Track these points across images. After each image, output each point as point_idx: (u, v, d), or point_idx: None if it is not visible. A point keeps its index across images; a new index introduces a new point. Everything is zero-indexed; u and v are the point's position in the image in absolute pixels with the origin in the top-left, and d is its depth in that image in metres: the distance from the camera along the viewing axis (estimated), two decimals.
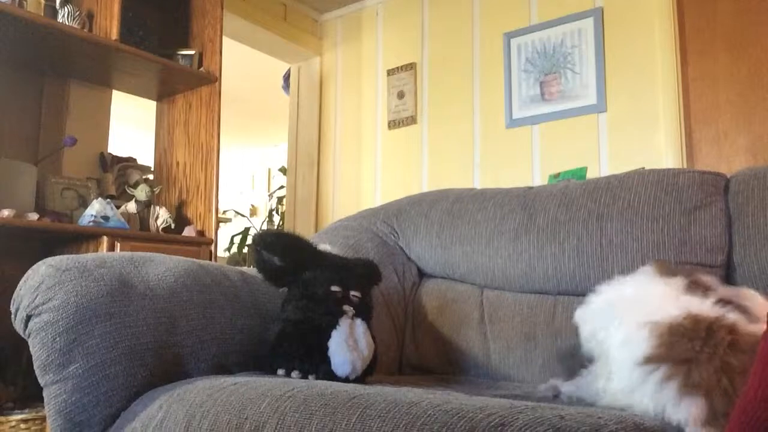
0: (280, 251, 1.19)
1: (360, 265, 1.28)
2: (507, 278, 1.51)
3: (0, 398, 2.07)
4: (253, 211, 7.36)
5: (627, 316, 0.77)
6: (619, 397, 0.75)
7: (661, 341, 0.69)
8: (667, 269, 0.85)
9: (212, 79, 2.73)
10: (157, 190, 2.67)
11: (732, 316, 0.71)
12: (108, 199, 2.38)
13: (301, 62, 4.00)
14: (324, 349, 1.11)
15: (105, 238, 2.25)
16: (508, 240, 1.50)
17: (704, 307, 0.73)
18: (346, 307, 1.16)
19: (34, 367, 1.01)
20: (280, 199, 5.87)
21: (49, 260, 1.06)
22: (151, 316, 1.08)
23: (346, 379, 1.09)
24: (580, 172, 2.70)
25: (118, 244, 2.28)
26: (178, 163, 2.84)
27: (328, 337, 1.12)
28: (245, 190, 7.54)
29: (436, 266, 1.65)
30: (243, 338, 1.23)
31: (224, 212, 6.70)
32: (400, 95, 3.52)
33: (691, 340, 0.68)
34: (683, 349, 0.68)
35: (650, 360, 0.69)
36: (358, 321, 1.17)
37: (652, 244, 1.31)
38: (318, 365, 1.11)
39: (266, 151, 7.34)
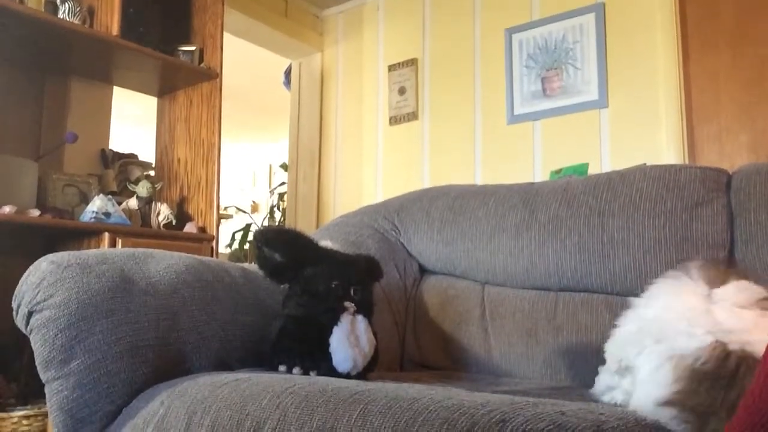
0: (282, 247, 1.19)
1: (361, 261, 1.28)
2: (508, 274, 1.51)
3: (2, 395, 2.08)
4: (255, 208, 7.36)
5: (653, 344, 0.73)
6: None
7: (682, 385, 0.66)
8: (701, 272, 0.80)
9: (213, 75, 2.73)
10: (158, 186, 2.67)
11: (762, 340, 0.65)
12: (109, 196, 2.38)
13: (302, 58, 4.00)
14: (325, 346, 1.11)
15: (106, 235, 2.25)
16: (510, 236, 1.50)
17: (737, 324, 0.68)
18: (347, 304, 1.16)
19: (36, 364, 1.01)
20: (281, 196, 5.87)
21: (51, 257, 1.06)
22: (153, 313, 1.08)
23: (347, 376, 1.09)
24: (582, 168, 2.70)
25: (120, 241, 2.28)
26: (179, 160, 2.83)
27: (330, 333, 1.12)
28: (246, 186, 7.54)
29: (437, 262, 1.65)
30: (244, 334, 1.23)
31: (225, 208, 6.70)
32: (402, 91, 3.52)
33: (713, 384, 0.64)
34: (704, 397, 0.64)
35: (669, 404, 0.66)
36: (360, 317, 1.17)
37: (653, 241, 1.31)
38: (319, 361, 1.11)
39: (267, 147, 7.34)
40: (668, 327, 0.72)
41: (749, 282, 0.75)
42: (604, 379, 0.99)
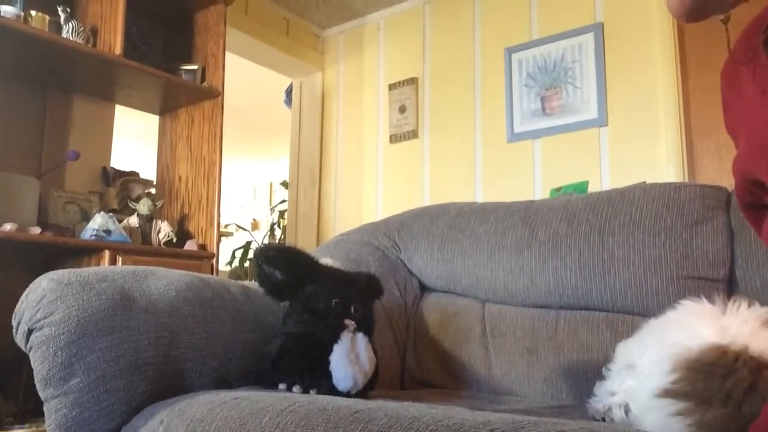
0: (282, 265, 1.19)
1: (361, 278, 1.28)
2: (509, 292, 1.51)
3: (0, 413, 2.06)
4: (255, 225, 7.37)
5: (657, 340, 0.77)
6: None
7: (680, 375, 0.69)
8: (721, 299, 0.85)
9: (215, 94, 2.75)
10: (159, 204, 2.67)
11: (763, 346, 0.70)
12: (110, 213, 2.39)
13: (303, 77, 4.02)
14: (325, 364, 1.11)
15: (107, 252, 2.25)
16: (510, 254, 1.50)
17: (742, 330, 0.72)
18: (347, 321, 1.16)
19: (35, 382, 1.00)
20: (281, 213, 5.88)
21: (51, 274, 1.06)
22: (153, 330, 1.08)
23: (347, 394, 1.09)
24: (582, 186, 2.70)
25: (120, 258, 2.28)
26: (180, 177, 2.84)
27: (330, 351, 1.11)
28: (247, 204, 7.55)
29: (437, 280, 1.65)
30: (244, 352, 1.22)
31: (226, 226, 6.70)
32: (402, 109, 3.54)
33: (710, 373, 0.67)
34: (701, 386, 0.67)
35: (667, 393, 0.69)
36: (360, 335, 1.16)
37: (654, 258, 1.31)
38: (319, 380, 1.10)
39: (268, 165, 7.36)
40: (672, 327, 0.77)
41: (759, 307, 0.79)
42: (607, 385, 1.02)
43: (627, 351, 0.92)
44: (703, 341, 0.71)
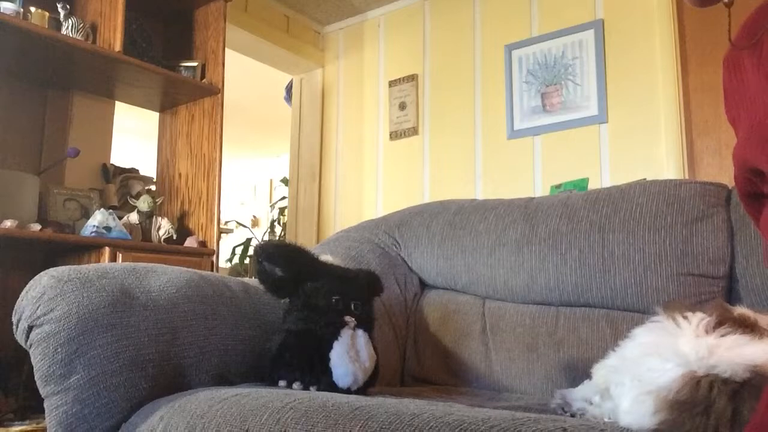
0: (282, 262, 1.19)
1: (362, 276, 1.28)
2: (509, 289, 1.51)
3: (0, 409, 2.07)
4: (255, 222, 7.37)
5: (630, 382, 0.78)
6: None
7: (664, 415, 0.69)
8: (673, 309, 0.85)
9: (215, 91, 2.75)
10: (159, 200, 2.67)
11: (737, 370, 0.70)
12: (110, 210, 2.39)
13: (303, 74, 4.02)
14: (326, 361, 1.11)
15: (107, 249, 2.25)
16: (510, 251, 1.50)
17: (701, 351, 0.73)
18: (347, 318, 1.16)
19: (35, 378, 1.01)
20: (281, 210, 5.88)
21: (51, 271, 1.06)
22: (153, 327, 1.08)
23: (347, 391, 1.09)
24: (582, 183, 2.70)
25: (120, 255, 2.28)
26: (180, 174, 2.84)
27: (330, 348, 1.12)
28: (247, 200, 7.55)
29: (437, 277, 1.65)
30: (244, 349, 1.22)
31: (226, 223, 6.71)
32: (402, 106, 3.54)
33: (692, 411, 0.68)
34: (688, 426, 0.67)
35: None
36: (360, 332, 1.16)
37: (653, 256, 1.31)
38: (319, 376, 1.10)
39: (268, 162, 7.36)
40: (641, 365, 0.78)
41: (704, 313, 0.81)
42: (583, 390, 1.03)
43: (605, 377, 0.94)
44: (672, 374, 0.72)
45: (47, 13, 2.26)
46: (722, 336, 0.75)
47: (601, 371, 0.97)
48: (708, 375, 0.69)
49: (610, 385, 0.89)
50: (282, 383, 1.12)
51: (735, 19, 0.79)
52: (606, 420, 0.90)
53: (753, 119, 0.71)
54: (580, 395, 1.03)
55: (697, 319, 0.79)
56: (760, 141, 0.68)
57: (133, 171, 2.90)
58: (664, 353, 0.76)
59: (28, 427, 2.01)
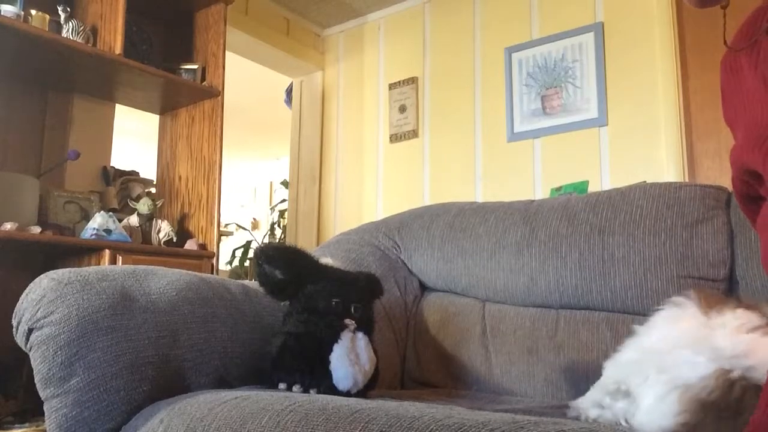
0: (282, 265, 1.19)
1: (362, 278, 1.28)
2: (509, 292, 1.51)
3: (0, 412, 2.06)
4: (255, 225, 7.37)
5: (656, 374, 0.71)
6: None
7: (689, 416, 0.64)
8: (699, 299, 0.79)
9: (215, 93, 2.75)
10: (159, 203, 2.68)
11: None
12: (110, 213, 2.39)
13: (303, 76, 4.02)
14: (326, 363, 1.11)
15: (107, 252, 2.25)
16: (510, 254, 1.50)
17: (737, 348, 0.67)
18: (347, 321, 1.16)
19: (35, 381, 1.00)
20: (281, 213, 5.88)
21: (51, 273, 1.06)
22: (153, 330, 1.08)
23: (347, 393, 1.09)
24: (582, 186, 2.70)
25: (120, 258, 2.28)
26: (180, 177, 2.84)
27: (330, 350, 1.11)
28: (247, 203, 7.55)
29: (437, 280, 1.65)
30: (244, 352, 1.22)
31: (226, 226, 6.71)
32: (402, 109, 3.54)
33: (719, 414, 0.63)
34: (710, 429, 0.63)
35: None
36: (360, 335, 1.16)
37: (654, 258, 1.31)
38: (319, 379, 1.10)
39: (268, 165, 7.36)
40: (670, 356, 0.71)
41: (744, 310, 0.75)
42: (593, 396, 0.95)
43: (619, 373, 0.86)
44: (705, 370, 0.67)
45: (48, 16, 2.27)
46: (764, 336, 0.68)
47: (610, 369, 0.89)
48: (743, 377, 0.64)
49: (628, 381, 0.80)
50: (282, 386, 1.12)
51: (730, 22, 0.79)
52: (623, 423, 0.82)
53: (750, 122, 0.71)
54: (590, 401, 0.95)
55: (734, 317, 0.72)
56: (757, 143, 0.68)
57: (134, 173, 2.90)
58: (697, 346, 0.69)
59: (28, 430, 2.01)
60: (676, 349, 0.71)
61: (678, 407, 0.65)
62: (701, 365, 0.67)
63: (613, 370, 0.88)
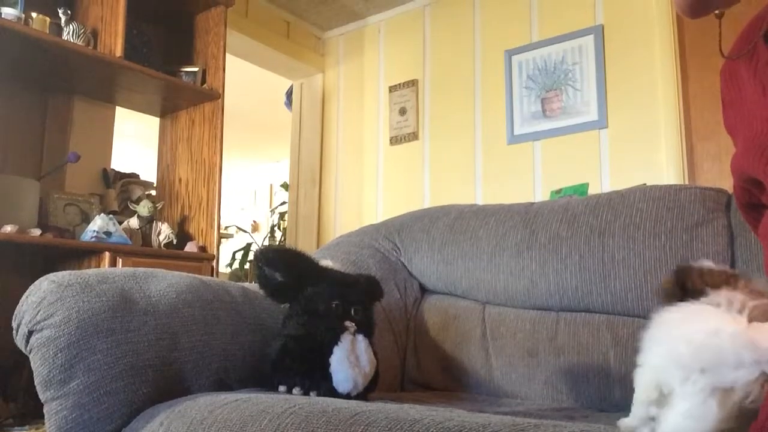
0: (282, 267, 1.19)
1: (362, 281, 1.28)
2: (509, 294, 1.51)
3: (0, 414, 2.06)
4: (255, 227, 7.37)
5: (698, 373, 0.66)
6: None
7: (729, 423, 0.60)
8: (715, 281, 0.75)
9: (215, 96, 2.75)
10: (159, 205, 2.68)
11: None
12: (110, 215, 2.39)
13: (303, 79, 4.03)
14: (326, 366, 1.10)
15: (107, 254, 2.25)
16: (510, 256, 1.50)
17: None
18: (347, 323, 1.16)
19: (35, 383, 1.00)
20: (282, 215, 5.88)
21: (51, 276, 1.06)
22: (153, 332, 1.08)
23: (347, 396, 1.09)
24: (582, 188, 2.70)
25: (120, 260, 2.28)
26: (180, 179, 2.84)
27: (330, 353, 1.11)
28: (247, 205, 7.55)
29: (438, 282, 1.65)
30: (244, 354, 1.22)
31: (226, 228, 6.71)
32: (402, 111, 3.54)
33: (748, 422, 0.59)
34: None
35: None
36: (360, 337, 1.16)
37: (654, 261, 1.31)
38: (319, 382, 1.10)
39: (268, 167, 7.36)
40: (713, 354, 0.66)
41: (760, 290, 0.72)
42: (638, 412, 0.84)
43: (659, 376, 0.76)
44: (749, 375, 0.62)
45: (48, 19, 2.27)
46: None
47: (645, 376, 0.79)
48: None
49: (670, 380, 0.72)
50: (282, 388, 1.12)
51: (726, 31, 0.79)
52: None
53: (750, 130, 0.71)
54: (638, 419, 0.83)
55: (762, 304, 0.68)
56: (758, 152, 0.67)
57: (134, 176, 2.90)
58: (739, 344, 0.64)
59: None
60: (721, 345, 0.66)
61: (719, 413, 0.61)
62: (746, 369, 0.62)
63: (645, 379, 0.79)
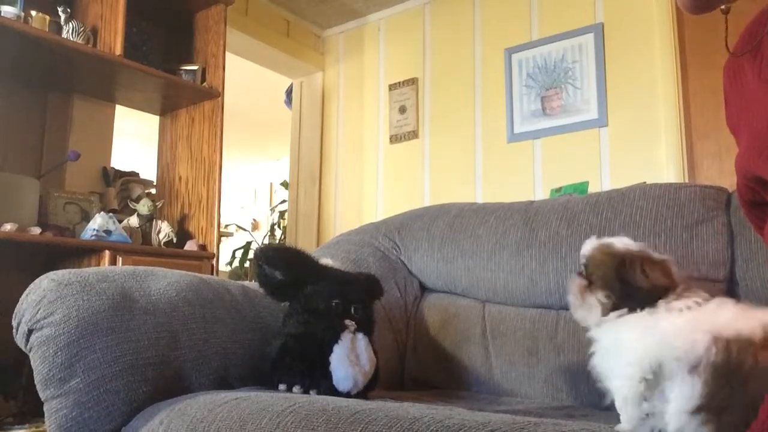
0: (282, 265, 1.19)
1: (362, 279, 1.28)
2: (509, 293, 1.51)
3: (0, 413, 2.06)
4: (255, 226, 7.37)
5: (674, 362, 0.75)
6: None
7: (706, 390, 0.69)
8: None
9: (215, 94, 2.75)
10: (159, 204, 2.67)
11: None
12: (110, 214, 2.39)
13: (303, 77, 4.03)
14: (326, 364, 1.11)
15: (107, 252, 2.25)
16: (510, 254, 1.50)
17: (722, 318, 0.73)
18: (347, 322, 1.16)
19: (35, 382, 1.00)
20: (281, 214, 5.88)
21: (51, 274, 1.06)
22: (153, 331, 1.08)
23: (347, 394, 1.09)
24: (582, 187, 2.70)
25: (120, 258, 2.28)
26: (180, 178, 2.84)
27: (330, 351, 1.11)
28: (247, 204, 7.55)
29: (437, 280, 1.65)
30: (244, 353, 1.22)
31: (226, 226, 6.70)
32: (402, 110, 3.54)
33: (726, 378, 0.68)
34: (721, 395, 0.68)
35: (700, 409, 0.69)
36: (360, 335, 1.16)
37: None
38: (319, 380, 1.10)
39: (268, 166, 7.36)
40: (673, 336, 0.75)
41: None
42: (632, 413, 0.83)
43: (646, 362, 0.81)
44: (704, 340, 0.72)
45: (48, 17, 2.27)
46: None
47: (632, 377, 0.81)
48: (735, 337, 0.70)
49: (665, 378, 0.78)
50: (282, 387, 1.12)
51: (732, 27, 0.79)
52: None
53: (754, 128, 0.71)
54: (635, 419, 0.83)
55: (719, 301, 0.79)
56: (762, 150, 0.68)
57: (134, 174, 2.90)
58: (690, 323, 0.76)
59: (28, 431, 2.01)
60: (676, 329, 0.75)
61: (699, 382, 0.69)
62: (701, 337, 0.71)
63: (636, 375, 0.81)
